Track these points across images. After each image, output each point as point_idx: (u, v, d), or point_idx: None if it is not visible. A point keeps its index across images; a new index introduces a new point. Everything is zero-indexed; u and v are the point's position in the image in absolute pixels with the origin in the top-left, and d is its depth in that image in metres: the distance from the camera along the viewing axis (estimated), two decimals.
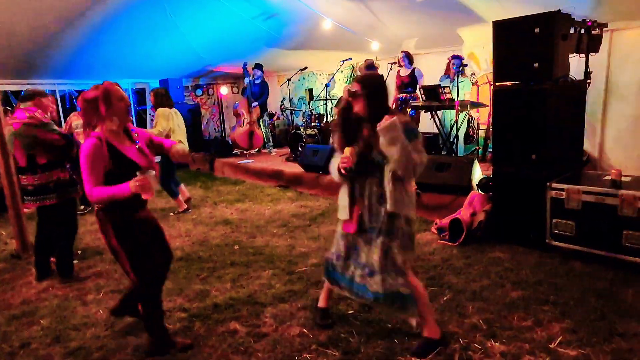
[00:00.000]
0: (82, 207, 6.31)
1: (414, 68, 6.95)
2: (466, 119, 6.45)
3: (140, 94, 10.95)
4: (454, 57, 6.65)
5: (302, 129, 8.60)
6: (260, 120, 9.38)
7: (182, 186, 6.27)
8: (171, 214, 6.00)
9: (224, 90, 11.19)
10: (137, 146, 2.66)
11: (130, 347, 2.86)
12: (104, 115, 2.48)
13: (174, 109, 5.92)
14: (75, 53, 8.01)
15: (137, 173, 2.43)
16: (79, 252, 4.57)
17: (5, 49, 6.99)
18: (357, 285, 2.65)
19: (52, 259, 4.10)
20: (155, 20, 7.44)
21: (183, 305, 3.37)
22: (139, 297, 2.81)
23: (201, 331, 3.00)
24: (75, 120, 6.04)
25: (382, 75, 2.86)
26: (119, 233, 2.57)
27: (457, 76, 6.08)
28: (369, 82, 2.56)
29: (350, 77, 9.03)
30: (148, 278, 2.69)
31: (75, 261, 4.18)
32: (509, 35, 3.90)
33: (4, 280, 4.06)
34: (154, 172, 2.50)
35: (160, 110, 5.74)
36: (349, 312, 3.12)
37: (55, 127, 3.79)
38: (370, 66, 7.12)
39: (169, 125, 5.71)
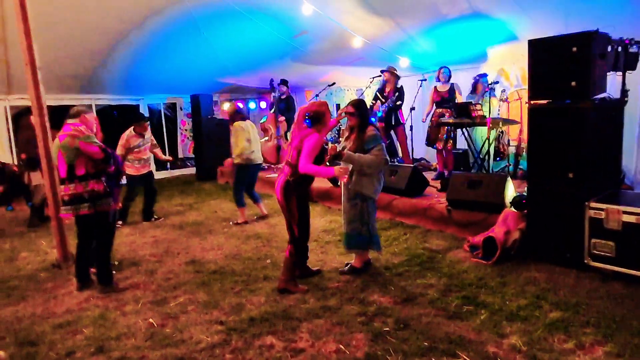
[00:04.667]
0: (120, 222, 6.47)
1: (453, 83, 6.85)
2: (497, 135, 6.41)
3: (171, 108, 11.27)
4: (481, 75, 6.63)
5: (329, 144, 8.67)
6: (288, 134, 9.51)
7: (260, 204, 6.44)
8: (231, 222, 6.24)
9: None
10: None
11: (170, 357, 2.93)
12: (326, 125, 3.88)
13: (248, 121, 6.18)
14: (114, 71, 8.36)
15: (341, 163, 3.83)
16: (116, 263, 4.69)
17: (53, 66, 7.34)
18: None
19: (91, 269, 4.24)
20: (188, 38, 7.70)
21: (220, 318, 3.43)
22: (296, 246, 3.83)
23: (239, 344, 3.05)
24: (135, 141, 6.30)
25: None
26: (299, 198, 3.76)
27: (489, 94, 6.03)
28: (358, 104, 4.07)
29: None
30: (304, 234, 3.90)
31: (113, 272, 4.29)
32: (545, 54, 3.90)
33: (46, 289, 4.21)
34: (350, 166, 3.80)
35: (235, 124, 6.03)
36: (384, 329, 3.12)
37: (97, 140, 3.95)
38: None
39: (245, 136, 5.96)
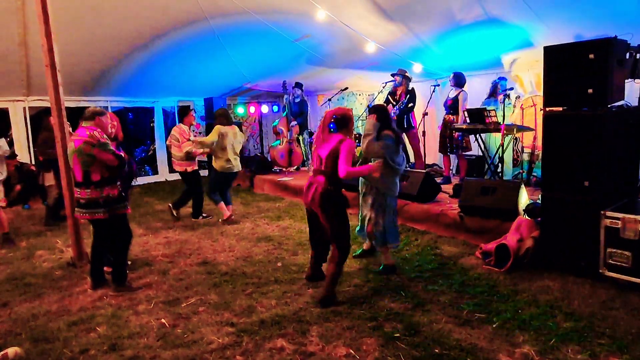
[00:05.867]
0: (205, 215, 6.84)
1: (461, 91, 6.75)
2: (511, 142, 6.36)
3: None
4: (500, 79, 6.58)
5: None
6: (300, 137, 9.55)
7: (230, 207, 6.59)
8: (220, 220, 6.47)
9: (264, 108, 11.50)
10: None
11: (182, 357, 2.96)
12: (351, 130, 3.95)
13: (232, 126, 6.36)
14: (129, 74, 8.48)
15: (374, 160, 4.04)
16: (129, 263, 4.72)
17: (71, 68, 7.50)
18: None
19: (105, 268, 4.30)
20: (203, 43, 7.78)
21: (231, 320, 3.45)
22: (340, 253, 3.74)
23: (249, 346, 3.07)
24: (189, 133, 6.59)
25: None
26: (339, 206, 3.78)
27: (504, 99, 5.97)
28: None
29: None
30: (346, 240, 3.79)
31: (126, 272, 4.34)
32: (561, 61, 3.86)
33: (61, 287, 4.28)
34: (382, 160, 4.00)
35: (216, 126, 6.26)
36: (395, 334, 3.12)
37: (111, 147, 3.95)
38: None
39: (216, 139, 6.14)
